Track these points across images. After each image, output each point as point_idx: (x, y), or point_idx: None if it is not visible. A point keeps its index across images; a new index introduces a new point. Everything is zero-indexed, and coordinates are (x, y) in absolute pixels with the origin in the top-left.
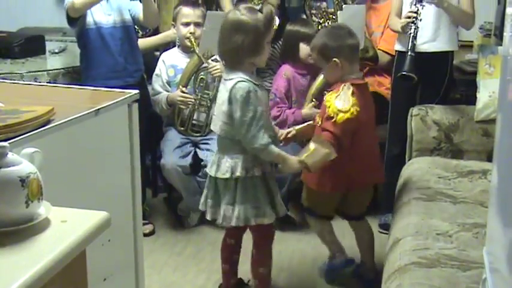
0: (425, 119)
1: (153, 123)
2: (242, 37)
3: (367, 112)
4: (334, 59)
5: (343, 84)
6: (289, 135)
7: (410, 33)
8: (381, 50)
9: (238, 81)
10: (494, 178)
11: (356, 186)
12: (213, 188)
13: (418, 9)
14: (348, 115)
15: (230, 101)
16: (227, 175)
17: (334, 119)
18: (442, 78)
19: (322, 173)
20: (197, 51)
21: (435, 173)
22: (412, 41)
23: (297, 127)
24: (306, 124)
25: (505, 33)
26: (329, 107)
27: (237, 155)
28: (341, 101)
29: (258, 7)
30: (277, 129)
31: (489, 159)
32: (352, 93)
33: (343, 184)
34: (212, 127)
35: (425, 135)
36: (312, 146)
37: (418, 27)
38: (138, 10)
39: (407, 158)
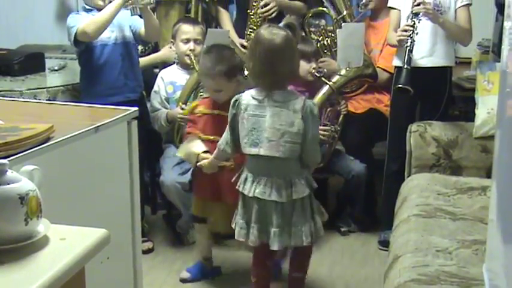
0: (424, 135)
1: (152, 140)
2: (296, 56)
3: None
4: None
5: None
6: None
7: (407, 47)
8: (379, 67)
9: (305, 99)
10: (493, 195)
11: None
12: (280, 213)
13: (414, 23)
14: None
15: (304, 119)
16: (307, 192)
17: None
18: (441, 94)
19: None
20: (197, 68)
21: (434, 190)
22: (408, 54)
23: None
24: None
25: (503, 47)
26: None
27: (304, 171)
28: None
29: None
30: None
31: (488, 175)
32: None
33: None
34: (269, 153)
35: (424, 151)
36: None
37: (414, 41)
38: (139, 25)
39: (407, 175)
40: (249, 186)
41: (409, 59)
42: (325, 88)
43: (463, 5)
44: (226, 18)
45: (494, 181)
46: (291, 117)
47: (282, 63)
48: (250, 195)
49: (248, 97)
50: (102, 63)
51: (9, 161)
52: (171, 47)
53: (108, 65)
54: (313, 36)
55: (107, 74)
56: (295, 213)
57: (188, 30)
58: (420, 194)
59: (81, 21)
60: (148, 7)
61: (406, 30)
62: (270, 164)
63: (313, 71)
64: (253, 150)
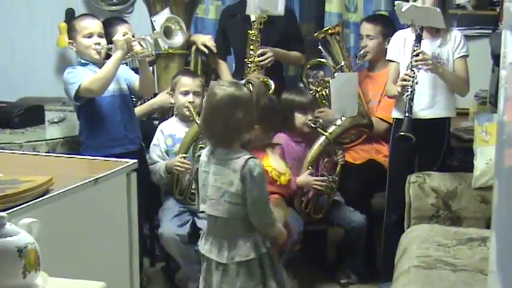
0: (423, 186)
1: (151, 192)
2: (242, 112)
3: None
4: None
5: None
6: None
7: (407, 95)
8: (378, 117)
9: (249, 158)
10: (493, 245)
11: None
12: (221, 274)
13: (414, 72)
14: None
15: (243, 179)
16: (252, 255)
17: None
18: (439, 145)
19: None
20: (197, 120)
21: (434, 241)
22: (409, 103)
23: None
24: None
25: (499, 97)
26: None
27: (252, 233)
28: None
29: (242, 82)
30: None
31: (488, 226)
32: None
33: None
34: (210, 211)
35: (423, 202)
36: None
37: (414, 90)
38: (134, 79)
39: (406, 226)
40: (202, 243)
41: (410, 107)
42: (322, 139)
43: (461, 56)
44: (225, 69)
45: (493, 232)
46: (231, 176)
47: (216, 121)
48: (201, 251)
49: (204, 152)
50: (102, 116)
51: (8, 213)
52: (168, 93)
53: (108, 117)
54: (311, 86)
55: (107, 126)
56: (240, 277)
57: (187, 82)
58: (420, 245)
59: (80, 77)
60: (147, 59)
61: (405, 79)
62: (215, 223)
63: (309, 122)
64: (202, 207)
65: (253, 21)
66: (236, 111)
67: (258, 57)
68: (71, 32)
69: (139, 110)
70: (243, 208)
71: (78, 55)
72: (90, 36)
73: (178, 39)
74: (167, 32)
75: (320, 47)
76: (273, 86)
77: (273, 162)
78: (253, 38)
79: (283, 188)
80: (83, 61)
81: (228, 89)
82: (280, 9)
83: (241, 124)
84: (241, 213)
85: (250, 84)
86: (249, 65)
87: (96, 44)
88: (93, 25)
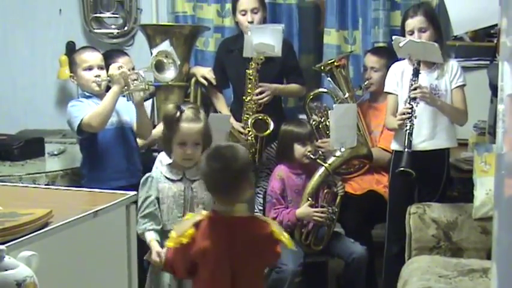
0: (424, 217)
1: None
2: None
3: (215, 246)
4: None
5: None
6: None
7: (406, 130)
8: (380, 147)
9: None
10: (494, 276)
11: None
12: None
13: (412, 106)
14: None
15: None
16: None
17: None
18: (439, 176)
19: None
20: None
21: (435, 272)
22: (408, 138)
23: None
24: None
25: (497, 130)
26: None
27: None
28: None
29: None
30: None
31: (489, 257)
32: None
33: None
34: None
35: (424, 233)
36: None
37: (413, 124)
38: (132, 117)
39: (407, 257)
40: None
41: (410, 141)
42: (321, 170)
43: (458, 86)
44: (222, 102)
45: (494, 263)
46: None
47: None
48: None
49: None
50: (104, 149)
51: (7, 246)
52: None
53: (110, 150)
54: (314, 117)
55: (109, 159)
56: None
57: (89, 58)
58: (421, 276)
59: (84, 110)
60: (146, 93)
61: (404, 113)
62: None
63: (309, 153)
64: None
65: (251, 62)
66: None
67: (257, 95)
68: (72, 65)
69: (140, 141)
70: None
71: (80, 88)
72: (90, 68)
73: (170, 74)
74: (159, 66)
75: (329, 78)
76: (272, 126)
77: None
78: (251, 78)
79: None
80: (87, 93)
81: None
82: (277, 51)
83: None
84: None
85: None
86: (248, 104)
87: (96, 76)
88: (93, 58)
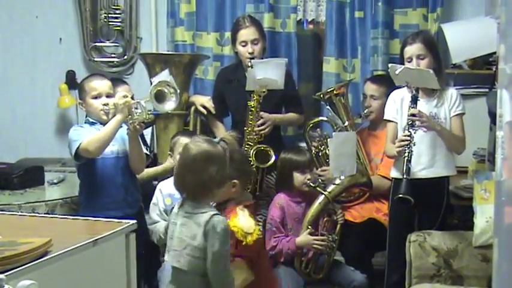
0: (424, 245)
1: (150, 252)
2: (215, 168)
3: None
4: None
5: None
6: None
7: (405, 157)
8: (380, 175)
9: (214, 215)
10: None
11: None
12: None
13: (411, 133)
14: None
15: (205, 234)
16: None
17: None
18: (439, 204)
19: None
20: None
21: None
22: (406, 165)
23: None
24: None
25: (496, 156)
26: (237, 232)
27: None
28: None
29: (216, 140)
30: None
31: (490, 285)
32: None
33: None
34: (171, 262)
35: (424, 261)
36: None
37: (412, 151)
38: None
39: (407, 285)
40: None
41: (408, 169)
42: (321, 198)
43: (457, 114)
44: (222, 131)
45: None
46: (194, 230)
47: (189, 175)
48: None
49: (176, 204)
50: (102, 177)
51: (6, 275)
52: (168, 154)
53: (109, 179)
54: (313, 143)
55: (107, 187)
56: None
57: (98, 86)
58: None
59: (84, 136)
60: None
61: (403, 141)
62: (177, 275)
63: (308, 181)
64: (166, 257)
65: (253, 94)
66: (209, 167)
67: (258, 126)
68: (81, 92)
69: (147, 172)
70: (203, 263)
71: (87, 115)
72: (98, 96)
73: (170, 105)
74: (160, 96)
75: (328, 107)
76: (273, 158)
77: (241, 222)
78: (253, 109)
79: (249, 249)
80: (91, 120)
81: (202, 145)
82: (280, 85)
83: (213, 180)
84: (201, 269)
85: (224, 142)
86: (249, 135)
87: (104, 104)
88: (102, 85)
